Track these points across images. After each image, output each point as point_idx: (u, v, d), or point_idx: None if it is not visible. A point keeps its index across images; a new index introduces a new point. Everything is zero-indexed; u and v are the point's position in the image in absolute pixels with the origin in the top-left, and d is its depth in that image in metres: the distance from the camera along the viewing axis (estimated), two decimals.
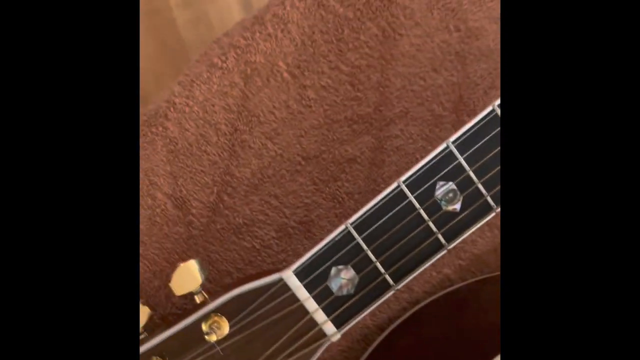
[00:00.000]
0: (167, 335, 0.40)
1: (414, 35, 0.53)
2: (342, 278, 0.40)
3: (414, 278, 0.57)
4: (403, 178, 0.40)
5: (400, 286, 0.41)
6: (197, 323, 0.40)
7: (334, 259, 0.40)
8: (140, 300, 0.40)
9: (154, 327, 0.42)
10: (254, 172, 0.52)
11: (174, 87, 0.52)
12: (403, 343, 0.51)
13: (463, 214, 0.40)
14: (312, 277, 0.40)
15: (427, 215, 0.40)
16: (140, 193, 0.52)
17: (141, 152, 0.52)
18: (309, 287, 0.40)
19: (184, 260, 0.40)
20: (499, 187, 0.40)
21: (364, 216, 0.40)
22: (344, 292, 0.40)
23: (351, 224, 0.40)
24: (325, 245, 0.40)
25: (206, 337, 0.39)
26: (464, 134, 0.39)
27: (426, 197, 0.40)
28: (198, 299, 0.41)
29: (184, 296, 0.41)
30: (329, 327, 0.41)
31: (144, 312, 0.40)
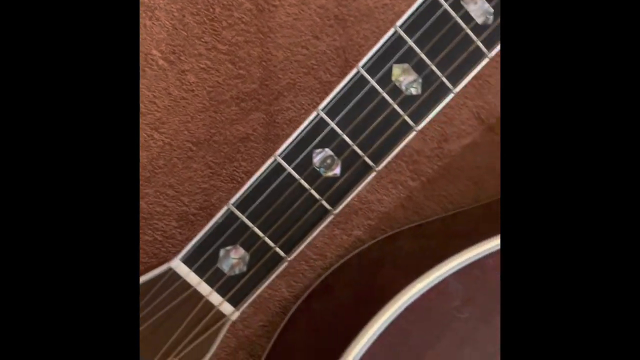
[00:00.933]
0: None
1: (288, 5, 0.53)
2: (233, 258, 0.40)
3: (325, 244, 0.57)
4: (279, 151, 0.40)
5: (292, 256, 0.41)
6: None
7: (220, 240, 0.40)
8: None
9: None
10: (144, 165, 0.52)
11: None
12: (318, 306, 0.52)
13: (343, 178, 0.41)
14: (200, 261, 0.40)
15: (308, 184, 0.40)
16: None
17: None
18: (199, 272, 0.40)
19: None
20: (375, 147, 0.40)
21: (245, 194, 0.40)
22: (236, 271, 0.41)
23: (233, 203, 0.40)
24: (210, 229, 0.40)
25: None
26: (332, 99, 0.40)
27: (304, 167, 0.40)
28: None
29: None
30: (227, 307, 0.41)
31: None
